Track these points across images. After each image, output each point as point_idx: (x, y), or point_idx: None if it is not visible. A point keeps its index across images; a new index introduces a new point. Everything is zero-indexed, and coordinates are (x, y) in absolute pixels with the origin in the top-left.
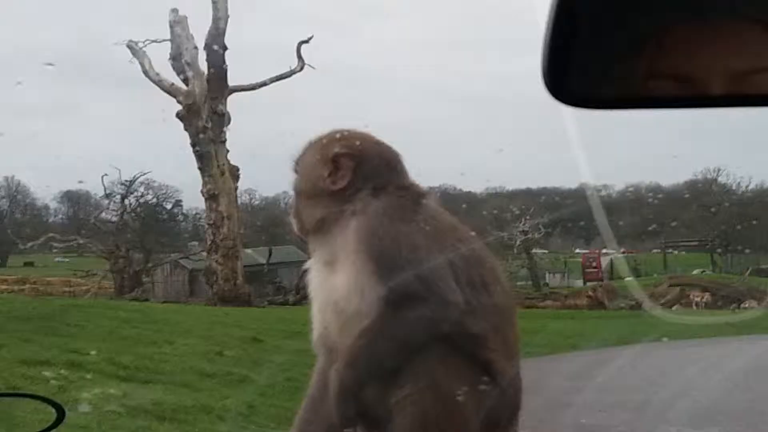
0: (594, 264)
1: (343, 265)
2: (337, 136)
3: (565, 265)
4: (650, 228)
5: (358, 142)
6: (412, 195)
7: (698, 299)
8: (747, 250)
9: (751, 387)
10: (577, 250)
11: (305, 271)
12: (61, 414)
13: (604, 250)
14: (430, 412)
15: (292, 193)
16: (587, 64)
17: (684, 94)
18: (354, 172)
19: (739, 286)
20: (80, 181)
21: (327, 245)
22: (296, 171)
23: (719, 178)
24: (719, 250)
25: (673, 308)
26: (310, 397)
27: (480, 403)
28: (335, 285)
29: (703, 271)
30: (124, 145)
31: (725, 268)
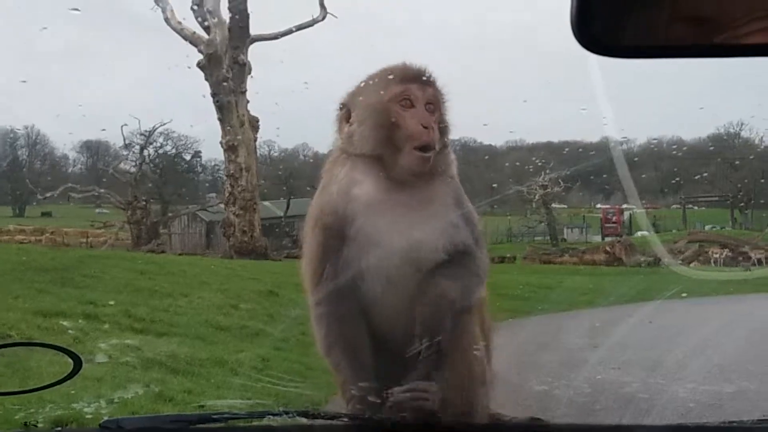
0: (614, 219)
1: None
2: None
3: (583, 220)
4: (671, 183)
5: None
6: None
7: (717, 255)
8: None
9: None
10: (598, 206)
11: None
12: (77, 364)
13: (624, 205)
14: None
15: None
16: (613, 10)
17: (709, 42)
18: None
19: (760, 243)
20: (103, 129)
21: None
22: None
23: (742, 132)
24: (741, 206)
25: (691, 265)
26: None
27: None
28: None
29: (723, 227)
30: (145, 94)
31: (746, 224)
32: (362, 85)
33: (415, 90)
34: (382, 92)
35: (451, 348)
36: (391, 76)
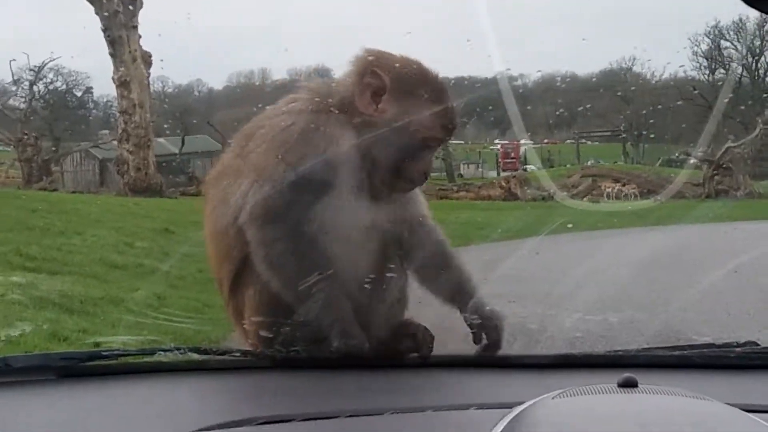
0: (512, 154)
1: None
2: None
3: (479, 156)
4: (565, 118)
5: None
6: None
7: (609, 190)
8: (659, 141)
9: (653, 275)
10: (496, 141)
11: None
12: None
13: (523, 141)
14: None
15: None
16: None
17: None
18: None
19: (650, 177)
20: None
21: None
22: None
23: (634, 67)
24: (633, 140)
25: (585, 199)
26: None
27: None
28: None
29: (615, 162)
30: (33, 28)
31: (637, 158)
32: (409, 71)
33: (447, 135)
34: (429, 120)
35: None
36: (443, 107)
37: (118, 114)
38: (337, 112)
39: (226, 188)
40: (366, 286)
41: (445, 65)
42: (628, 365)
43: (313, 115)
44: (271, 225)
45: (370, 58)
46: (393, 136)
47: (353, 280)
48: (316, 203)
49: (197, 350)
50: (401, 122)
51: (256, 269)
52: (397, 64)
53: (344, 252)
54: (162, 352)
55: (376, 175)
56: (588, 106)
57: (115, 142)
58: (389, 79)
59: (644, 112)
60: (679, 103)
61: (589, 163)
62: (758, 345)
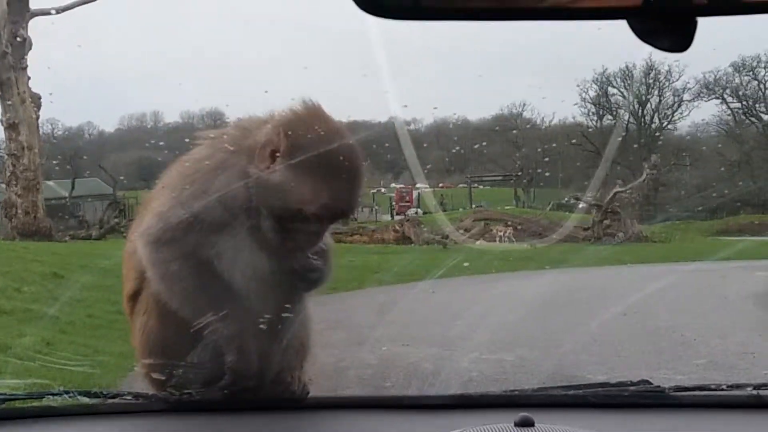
0: (407, 198)
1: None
2: None
3: (373, 199)
4: (458, 162)
5: None
6: None
7: (501, 233)
8: (549, 185)
9: (546, 316)
10: (392, 185)
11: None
12: None
13: (419, 185)
14: None
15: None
16: None
17: (502, 6)
18: None
19: (541, 220)
20: None
21: None
22: None
23: (524, 113)
24: (523, 185)
25: (477, 243)
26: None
27: None
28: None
29: (480, 205)
30: None
31: (528, 202)
32: (308, 140)
33: (335, 218)
34: (317, 198)
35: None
36: (333, 187)
37: (6, 157)
38: (243, 156)
39: (140, 218)
40: (261, 325)
41: (342, 102)
42: (524, 405)
43: (223, 155)
44: (167, 245)
45: (284, 115)
46: (280, 199)
47: (249, 316)
48: (214, 235)
49: (87, 394)
50: (288, 189)
51: (150, 301)
52: (304, 129)
53: (240, 286)
54: (51, 396)
55: (269, 227)
56: (480, 149)
57: (3, 185)
58: (286, 144)
59: (535, 156)
60: (568, 144)
61: (480, 205)
62: (651, 384)
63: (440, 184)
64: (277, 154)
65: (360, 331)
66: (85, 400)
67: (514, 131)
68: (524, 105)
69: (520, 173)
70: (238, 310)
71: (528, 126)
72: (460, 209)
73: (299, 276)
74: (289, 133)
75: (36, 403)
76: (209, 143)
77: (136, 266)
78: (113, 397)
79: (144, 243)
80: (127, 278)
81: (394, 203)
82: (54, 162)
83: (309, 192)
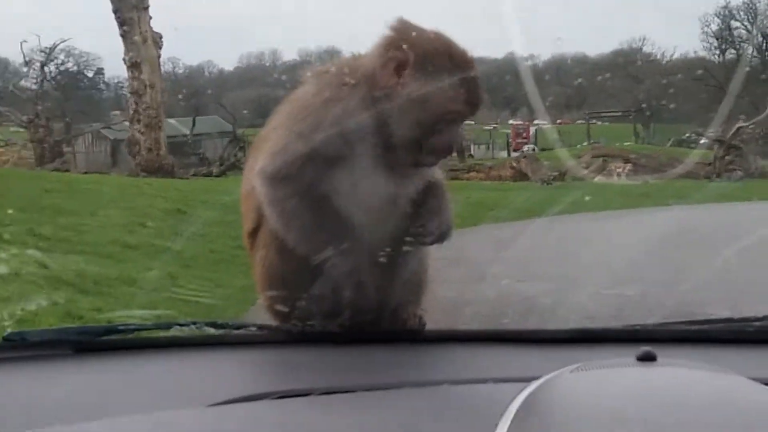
0: (524, 134)
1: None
2: None
3: (490, 136)
4: (576, 98)
5: None
6: None
7: (620, 170)
8: (670, 121)
9: (666, 253)
10: (510, 122)
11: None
12: None
13: (536, 121)
14: None
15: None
16: None
17: None
18: None
19: (661, 157)
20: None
21: None
22: None
23: (645, 48)
24: (643, 121)
25: (596, 179)
26: None
27: None
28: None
29: (598, 141)
30: (44, 9)
31: (648, 138)
32: (434, 46)
33: (471, 110)
34: (452, 95)
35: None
36: (468, 82)
37: (129, 95)
38: (360, 85)
39: (254, 157)
40: (380, 259)
41: (459, 37)
42: (645, 340)
43: (337, 87)
44: (283, 183)
45: (396, 32)
46: (415, 110)
47: (367, 250)
48: (331, 169)
49: (213, 325)
50: (423, 96)
51: (270, 237)
52: (423, 39)
53: (359, 221)
54: (178, 327)
55: (399, 148)
56: (599, 84)
57: (127, 123)
58: (413, 54)
59: (655, 92)
60: (690, 79)
61: (598, 141)
62: None
63: (558, 121)
64: (405, 68)
65: (477, 267)
66: (211, 330)
67: (634, 65)
68: (644, 39)
69: (639, 109)
70: (356, 244)
71: (648, 60)
72: (578, 146)
73: (420, 239)
74: (409, 43)
75: (164, 334)
76: (318, 79)
77: (254, 204)
78: (238, 328)
79: (260, 181)
80: (246, 216)
81: (510, 140)
82: (175, 100)
83: (449, 91)
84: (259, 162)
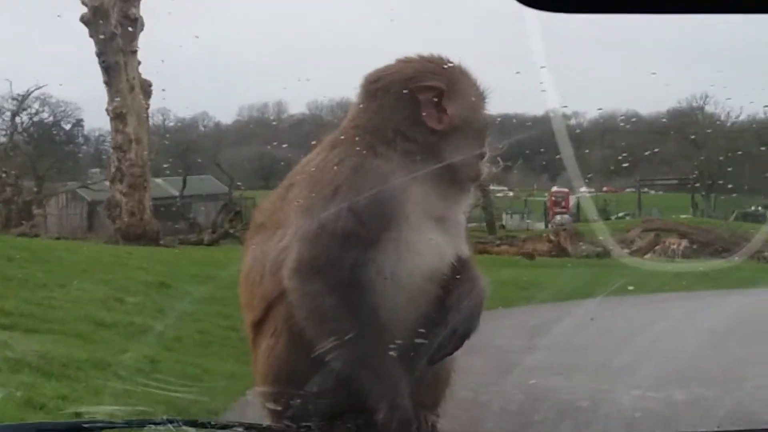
0: (563, 203)
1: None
2: None
3: (525, 205)
4: (625, 163)
5: None
6: None
7: (674, 246)
8: (733, 192)
9: (727, 347)
10: (554, 188)
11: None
12: None
13: (578, 189)
14: None
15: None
16: None
17: None
18: None
19: (722, 233)
20: None
21: None
22: None
23: (706, 107)
24: (702, 191)
25: (646, 256)
26: None
27: None
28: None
29: (650, 213)
30: (16, 53)
31: (708, 211)
32: (453, 69)
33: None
34: (481, 106)
35: None
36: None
37: (111, 150)
38: (387, 140)
39: (266, 237)
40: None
41: (492, 93)
42: None
43: (363, 150)
44: (322, 273)
45: (409, 67)
46: (461, 141)
47: (396, 347)
48: (374, 246)
49: (194, 423)
50: (468, 124)
51: (282, 328)
52: (440, 66)
53: (392, 304)
54: (153, 426)
55: (435, 188)
56: (653, 150)
57: (107, 183)
58: (445, 82)
59: (718, 158)
60: (762, 149)
61: (651, 213)
62: None
63: (604, 188)
64: (441, 99)
65: (506, 357)
66: (191, 430)
67: (694, 126)
68: (706, 98)
69: (698, 177)
70: (386, 344)
71: (710, 122)
72: (627, 217)
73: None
74: (432, 74)
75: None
76: (337, 141)
77: (263, 294)
78: (222, 428)
79: (293, 273)
80: (249, 305)
81: (548, 209)
82: (164, 157)
83: (480, 106)
84: (293, 251)
